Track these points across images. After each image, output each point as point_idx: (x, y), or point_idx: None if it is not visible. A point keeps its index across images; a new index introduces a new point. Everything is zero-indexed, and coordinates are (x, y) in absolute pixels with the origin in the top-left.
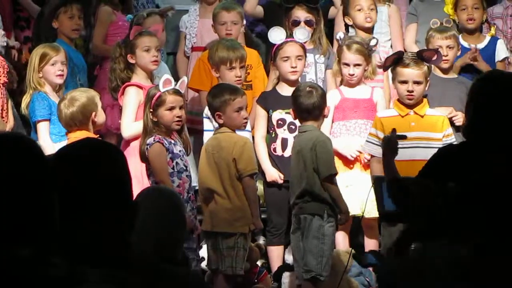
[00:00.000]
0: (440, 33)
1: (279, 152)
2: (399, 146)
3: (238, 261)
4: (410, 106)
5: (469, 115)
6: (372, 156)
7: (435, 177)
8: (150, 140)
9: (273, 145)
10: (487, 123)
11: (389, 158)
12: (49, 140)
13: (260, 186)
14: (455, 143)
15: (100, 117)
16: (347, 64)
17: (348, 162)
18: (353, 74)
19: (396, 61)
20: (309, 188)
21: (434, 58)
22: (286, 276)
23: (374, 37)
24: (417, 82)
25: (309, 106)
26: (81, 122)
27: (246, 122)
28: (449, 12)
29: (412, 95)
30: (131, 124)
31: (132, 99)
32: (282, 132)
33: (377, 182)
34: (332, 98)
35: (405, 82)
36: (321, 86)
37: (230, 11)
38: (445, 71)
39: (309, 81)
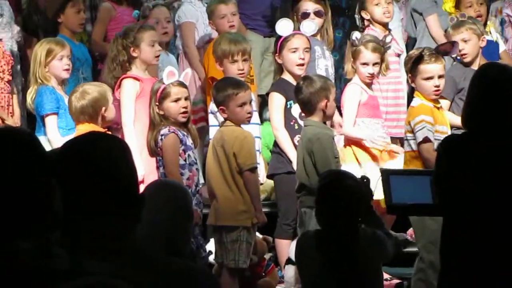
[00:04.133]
0: (453, 29)
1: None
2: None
3: (241, 255)
4: (438, 100)
5: (464, 105)
6: (425, 142)
7: (448, 172)
8: (164, 130)
9: (297, 137)
10: (479, 114)
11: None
12: (58, 134)
13: (268, 180)
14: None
15: (110, 112)
16: (366, 64)
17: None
18: (373, 73)
19: (417, 59)
20: (306, 182)
21: (451, 50)
22: (288, 269)
23: (389, 34)
24: (440, 76)
25: (301, 101)
26: (91, 116)
27: (250, 117)
28: (450, 10)
29: (439, 90)
30: (132, 117)
31: (129, 91)
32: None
33: (385, 174)
34: (359, 93)
35: (430, 78)
36: (328, 78)
37: (228, 3)
38: (469, 64)
39: (331, 75)
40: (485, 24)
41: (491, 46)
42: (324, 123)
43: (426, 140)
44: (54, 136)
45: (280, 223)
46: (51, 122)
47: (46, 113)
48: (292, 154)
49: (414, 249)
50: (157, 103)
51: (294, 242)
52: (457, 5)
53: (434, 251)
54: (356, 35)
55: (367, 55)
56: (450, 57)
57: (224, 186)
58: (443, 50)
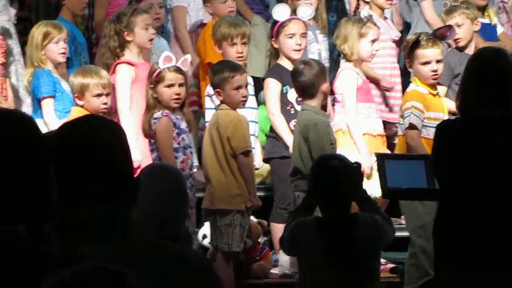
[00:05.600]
0: (446, 14)
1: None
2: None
3: (234, 238)
4: (436, 86)
5: (458, 91)
6: (411, 129)
7: (445, 159)
8: (157, 114)
9: (293, 121)
10: (474, 98)
11: None
12: (54, 116)
13: (264, 164)
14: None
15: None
16: (374, 41)
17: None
18: (378, 49)
19: (414, 44)
20: (300, 167)
21: (448, 34)
22: (283, 253)
23: (370, 16)
24: (438, 61)
25: (302, 84)
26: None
27: (245, 101)
28: None
29: (437, 74)
30: (128, 103)
31: (124, 77)
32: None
33: (380, 158)
34: (356, 79)
35: (428, 62)
36: (321, 62)
37: None
38: (464, 48)
39: (325, 59)
40: (484, 8)
41: (489, 30)
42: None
43: (412, 126)
44: (50, 119)
45: (276, 207)
46: (47, 105)
47: (43, 96)
48: (288, 139)
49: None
50: (151, 86)
51: None
52: None
53: (424, 235)
54: (364, 12)
55: (375, 32)
56: (445, 42)
57: (218, 170)
58: (440, 34)
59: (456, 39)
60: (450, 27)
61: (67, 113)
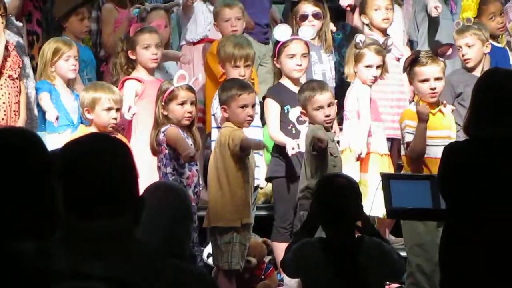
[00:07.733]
0: (458, 33)
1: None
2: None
3: (234, 256)
4: (437, 104)
5: (468, 112)
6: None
7: (453, 180)
8: (165, 127)
9: (296, 141)
10: (483, 120)
11: None
12: (50, 104)
13: (269, 184)
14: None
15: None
16: (370, 66)
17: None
18: (376, 76)
19: (413, 61)
20: (310, 185)
21: (449, 52)
22: None
23: (389, 37)
24: (437, 79)
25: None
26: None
27: (251, 120)
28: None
29: (435, 93)
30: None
31: (129, 92)
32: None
33: (385, 178)
34: (368, 92)
35: (426, 80)
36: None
37: (233, 7)
38: (472, 70)
39: (330, 78)
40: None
41: (500, 53)
42: None
43: (408, 144)
44: (46, 105)
45: (277, 226)
46: (44, 97)
47: (41, 92)
48: (283, 138)
49: None
50: (163, 103)
51: None
52: (479, 16)
53: (422, 254)
54: (360, 37)
55: (372, 57)
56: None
57: (217, 187)
58: (441, 53)
59: (465, 60)
60: (451, 45)
61: (60, 127)
